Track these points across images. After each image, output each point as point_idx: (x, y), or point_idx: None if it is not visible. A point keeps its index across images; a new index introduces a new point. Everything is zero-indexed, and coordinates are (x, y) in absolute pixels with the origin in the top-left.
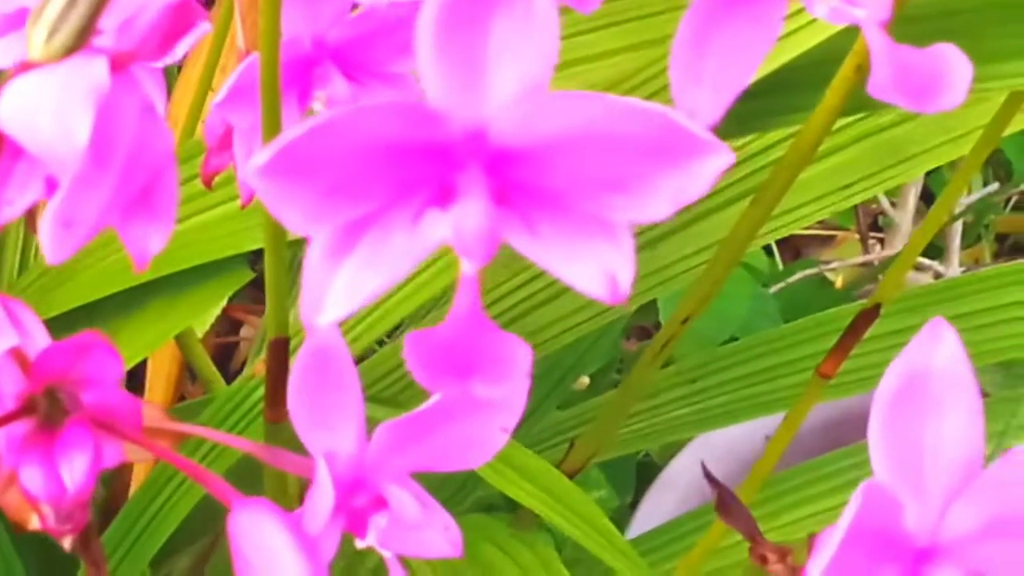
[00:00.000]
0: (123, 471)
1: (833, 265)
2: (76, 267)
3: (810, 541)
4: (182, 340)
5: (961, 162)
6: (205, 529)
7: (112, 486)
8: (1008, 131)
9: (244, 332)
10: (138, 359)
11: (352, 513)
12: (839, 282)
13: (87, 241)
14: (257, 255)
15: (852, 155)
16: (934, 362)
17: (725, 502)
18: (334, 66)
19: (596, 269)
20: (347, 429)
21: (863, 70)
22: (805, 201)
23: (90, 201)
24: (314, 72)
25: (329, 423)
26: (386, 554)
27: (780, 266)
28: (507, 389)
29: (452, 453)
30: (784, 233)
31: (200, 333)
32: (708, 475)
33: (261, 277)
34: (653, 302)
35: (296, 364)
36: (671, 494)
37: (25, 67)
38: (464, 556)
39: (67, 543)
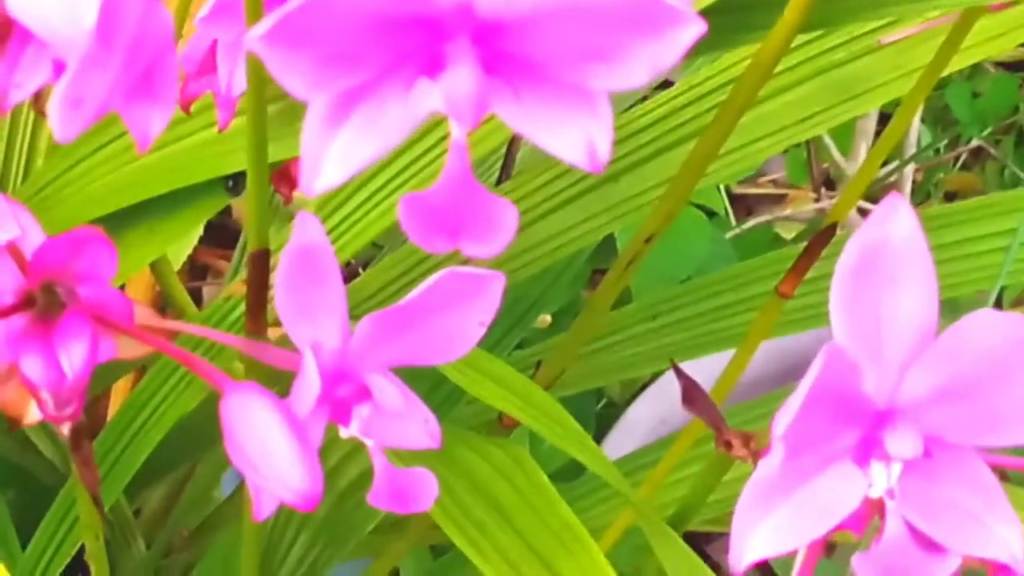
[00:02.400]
0: (98, 403)
1: (787, 212)
2: (59, 195)
3: (771, 425)
4: (157, 268)
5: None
6: (177, 462)
7: (87, 416)
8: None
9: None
10: (117, 284)
11: (336, 403)
12: (790, 239)
13: (93, 122)
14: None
15: (809, 90)
16: (891, 235)
17: (691, 394)
18: None
19: (577, 137)
20: (331, 322)
21: None
22: (766, 133)
23: (96, 82)
24: None
25: (314, 316)
26: (368, 443)
27: (733, 223)
28: (494, 247)
29: (432, 346)
30: (747, 165)
31: (177, 264)
32: (676, 369)
33: (224, 227)
34: (610, 247)
35: (283, 260)
36: (629, 440)
37: None
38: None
39: (65, 429)
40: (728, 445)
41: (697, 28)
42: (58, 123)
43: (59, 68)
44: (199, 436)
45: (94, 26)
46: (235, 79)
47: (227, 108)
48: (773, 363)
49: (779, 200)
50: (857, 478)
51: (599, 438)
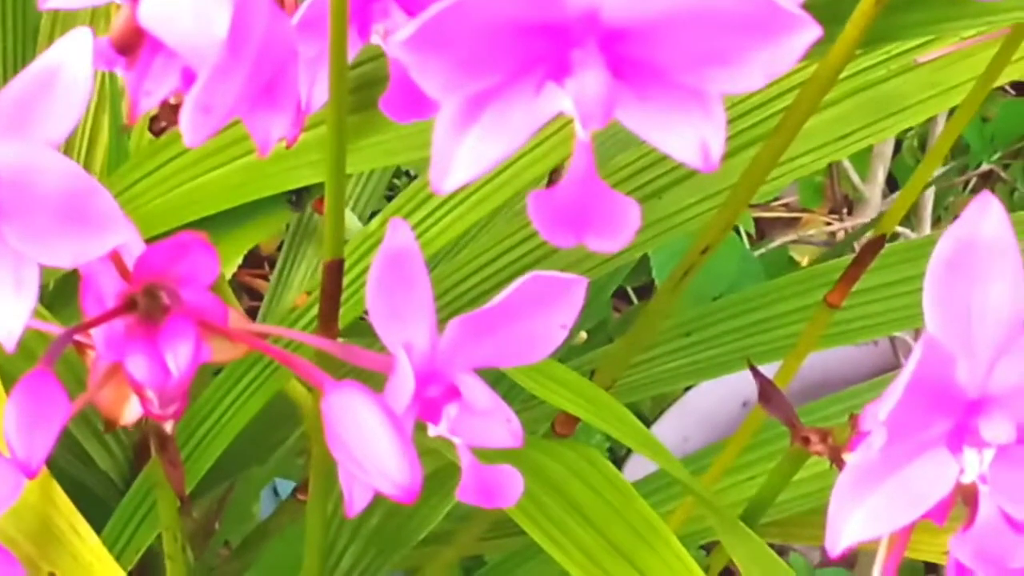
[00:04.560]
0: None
1: (811, 232)
2: (130, 206)
3: (852, 421)
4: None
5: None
6: (219, 479)
7: (144, 429)
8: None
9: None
10: None
11: (426, 403)
12: (804, 262)
13: (221, 126)
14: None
15: (848, 107)
16: (982, 231)
17: (767, 392)
18: (392, 1)
19: (692, 138)
20: (421, 324)
21: (881, 2)
22: (808, 149)
23: (225, 89)
24: (374, 6)
25: (405, 319)
26: (456, 441)
27: (747, 246)
28: (618, 241)
29: (516, 348)
30: (789, 180)
31: (228, 275)
32: (753, 369)
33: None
34: (638, 266)
35: (375, 265)
36: None
37: None
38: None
39: (168, 427)
40: (806, 441)
41: (813, 32)
42: (189, 127)
43: (186, 77)
44: (241, 455)
45: (225, 36)
46: (315, 93)
47: (297, 124)
48: (795, 381)
49: (791, 224)
50: (950, 464)
51: (627, 454)
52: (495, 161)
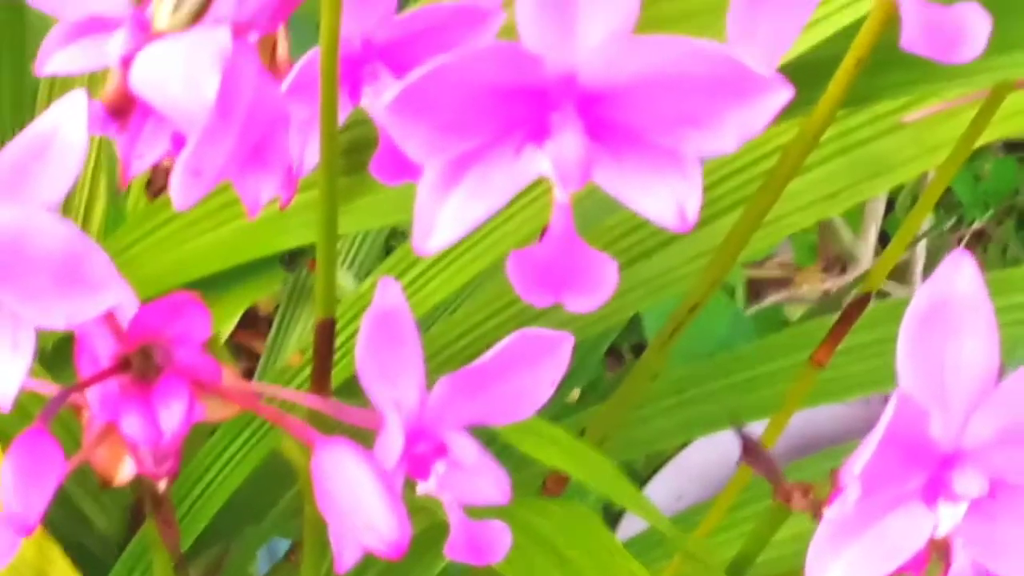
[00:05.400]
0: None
1: (803, 289)
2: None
3: (832, 476)
4: (207, 346)
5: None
6: (215, 539)
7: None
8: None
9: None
10: None
11: (415, 459)
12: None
13: (211, 189)
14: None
15: (836, 166)
16: (955, 288)
17: (750, 449)
18: (382, 64)
19: (668, 199)
20: (410, 382)
21: (861, 63)
22: (797, 207)
23: (215, 153)
24: (364, 70)
25: (394, 377)
26: (445, 497)
27: (742, 304)
28: (596, 300)
29: (504, 405)
30: (778, 239)
31: (224, 335)
32: (736, 427)
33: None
34: (633, 325)
35: (364, 324)
36: None
37: (152, 37)
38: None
39: (162, 486)
40: (788, 497)
41: (785, 94)
42: (180, 192)
43: (177, 140)
44: (237, 514)
45: (214, 101)
46: (306, 155)
47: (290, 186)
48: (786, 439)
49: (786, 283)
50: (925, 518)
51: (622, 512)
52: (477, 222)
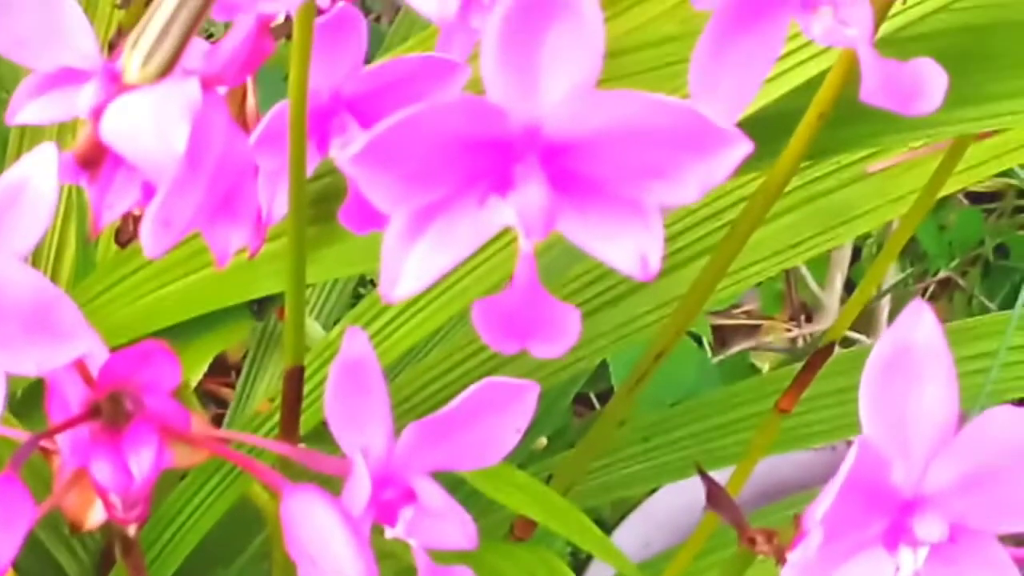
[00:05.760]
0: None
1: (769, 339)
2: (96, 316)
3: (796, 521)
4: (177, 393)
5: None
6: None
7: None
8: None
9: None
10: None
11: (382, 505)
12: (765, 368)
13: (180, 239)
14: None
15: (800, 216)
16: (916, 338)
17: (714, 495)
18: (350, 116)
19: (631, 249)
20: (377, 429)
21: (824, 117)
22: (762, 257)
23: (184, 204)
24: (332, 122)
25: (362, 424)
26: (412, 542)
27: (709, 354)
28: (559, 348)
29: (471, 451)
30: (744, 287)
31: (194, 382)
32: (701, 472)
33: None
34: (600, 372)
35: (332, 372)
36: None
37: (122, 89)
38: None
39: (132, 531)
40: (752, 542)
41: (745, 148)
42: (150, 242)
43: (147, 191)
44: (206, 560)
45: (184, 152)
46: (275, 205)
47: (258, 235)
48: (752, 486)
49: (752, 332)
50: (886, 563)
51: (588, 558)
52: (442, 271)
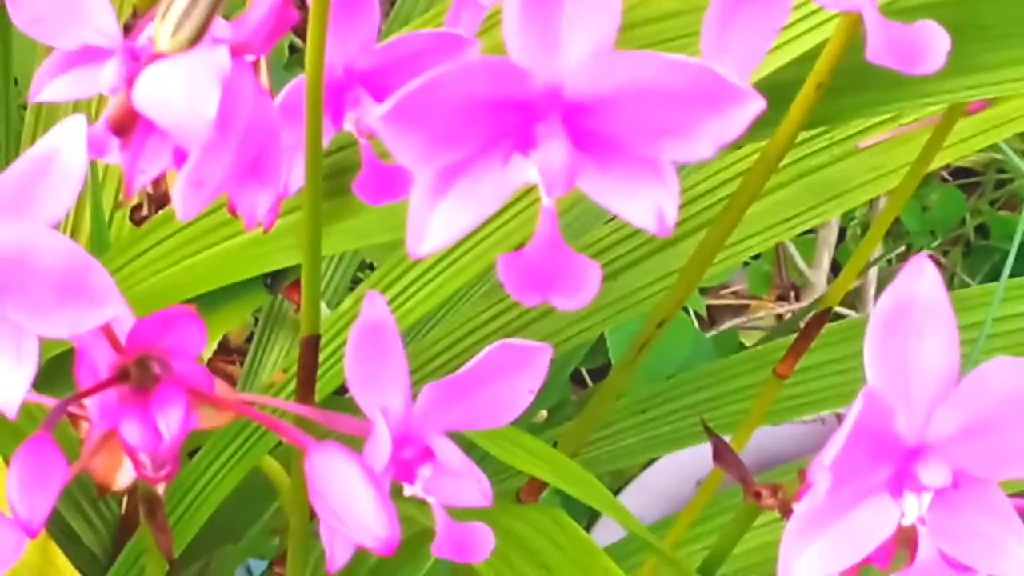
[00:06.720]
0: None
1: (760, 315)
2: None
3: (800, 476)
4: None
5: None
6: (195, 557)
7: (128, 505)
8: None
9: None
10: None
11: (401, 464)
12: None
13: (211, 200)
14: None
15: (793, 191)
16: (918, 292)
17: (720, 451)
18: (364, 90)
19: (648, 204)
20: (396, 390)
21: (822, 88)
22: (756, 231)
23: (215, 166)
24: (346, 96)
25: (381, 385)
26: (430, 500)
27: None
28: (581, 300)
29: (485, 412)
30: (739, 261)
31: (205, 357)
32: (708, 430)
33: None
34: (594, 349)
35: (353, 335)
36: (612, 534)
37: (154, 58)
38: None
39: (160, 489)
40: (757, 496)
41: (757, 104)
42: (181, 202)
43: (178, 155)
44: (216, 532)
45: (214, 117)
46: (292, 179)
47: (274, 209)
48: (746, 457)
49: (740, 311)
50: (891, 508)
51: (588, 527)
52: (467, 228)
